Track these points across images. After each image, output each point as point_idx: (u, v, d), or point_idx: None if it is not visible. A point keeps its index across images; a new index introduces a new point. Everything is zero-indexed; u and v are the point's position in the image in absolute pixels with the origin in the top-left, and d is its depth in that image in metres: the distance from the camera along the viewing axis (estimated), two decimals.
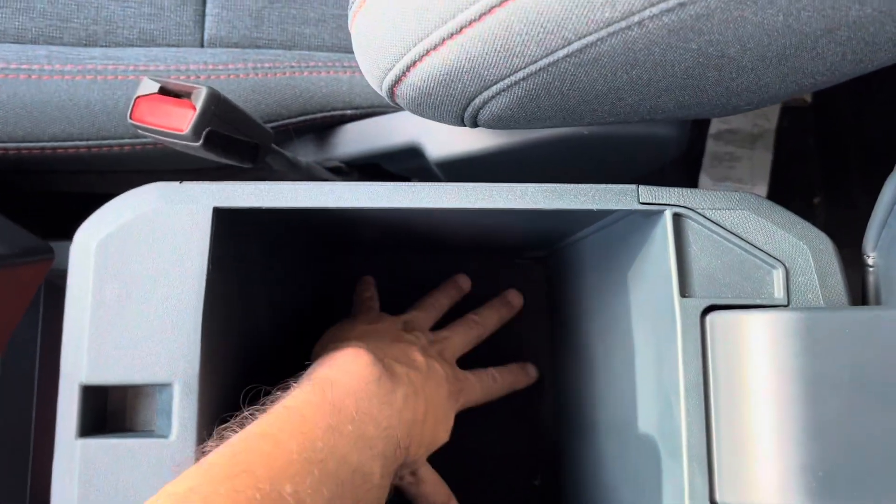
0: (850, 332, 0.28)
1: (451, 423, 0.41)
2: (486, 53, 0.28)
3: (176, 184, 0.32)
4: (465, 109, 0.33)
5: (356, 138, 0.51)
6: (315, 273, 0.54)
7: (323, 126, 0.52)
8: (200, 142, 0.36)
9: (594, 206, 0.32)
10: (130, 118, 0.37)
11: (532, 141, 0.43)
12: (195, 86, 0.36)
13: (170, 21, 0.51)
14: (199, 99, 0.36)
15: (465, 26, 0.27)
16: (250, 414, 0.31)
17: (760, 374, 0.29)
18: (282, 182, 0.32)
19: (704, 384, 0.30)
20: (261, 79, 0.49)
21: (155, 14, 0.50)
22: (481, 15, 0.27)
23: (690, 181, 0.90)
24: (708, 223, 0.32)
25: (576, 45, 0.27)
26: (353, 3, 0.33)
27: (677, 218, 0.32)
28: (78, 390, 0.30)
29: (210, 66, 0.48)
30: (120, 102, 0.47)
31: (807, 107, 0.91)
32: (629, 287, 0.37)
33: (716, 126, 0.92)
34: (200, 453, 0.30)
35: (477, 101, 0.31)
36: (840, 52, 0.27)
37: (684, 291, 0.31)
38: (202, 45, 0.51)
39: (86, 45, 0.49)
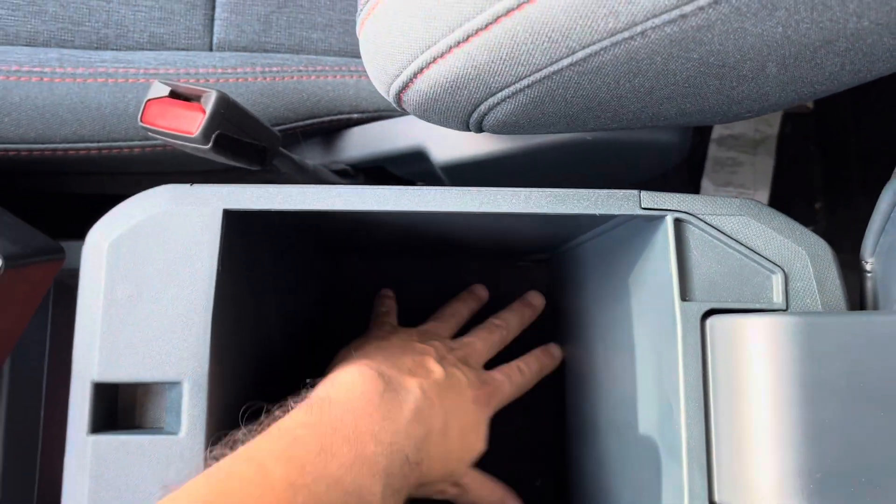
0: (847, 337, 0.28)
1: (482, 429, 0.40)
2: (492, 62, 0.29)
3: (187, 186, 0.32)
4: (470, 115, 0.33)
5: (362, 142, 0.52)
6: (322, 280, 0.54)
7: (330, 129, 0.53)
8: (210, 145, 0.37)
9: (597, 211, 0.33)
10: (141, 121, 0.38)
11: (536, 146, 0.44)
12: (205, 89, 0.37)
13: (179, 25, 0.51)
14: (209, 102, 0.37)
15: (472, 35, 0.28)
16: (246, 434, 0.31)
17: (759, 377, 0.29)
18: (290, 185, 0.32)
19: (704, 387, 0.31)
20: (269, 83, 0.50)
21: (165, 18, 0.51)
22: (488, 24, 0.27)
23: (693, 186, 0.90)
24: (709, 228, 0.33)
25: (580, 55, 0.27)
26: (361, 9, 0.33)
27: (678, 223, 0.33)
28: (90, 388, 0.31)
29: (219, 70, 0.49)
30: (130, 105, 0.47)
31: (808, 113, 0.92)
32: (630, 291, 0.38)
33: (718, 131, 0.92)
34: (211, 457, 0.30)
35: (482, 107, 0.32)
36: (839, 62, 0.28)
37: (685, 295, 0.32)
38: (211, 49, 0.52)
39: (97, 49, 0.50)
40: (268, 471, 0.28)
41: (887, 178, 0.33)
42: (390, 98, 0.34)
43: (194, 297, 0.31)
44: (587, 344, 0.46)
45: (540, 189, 0.33)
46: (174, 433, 0.31)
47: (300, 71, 0.51)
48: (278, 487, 0.27)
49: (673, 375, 0.31)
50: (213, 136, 0.37)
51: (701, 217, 0.33)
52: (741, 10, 0.24)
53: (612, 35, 0.26)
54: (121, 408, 0.33)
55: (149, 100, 0.37)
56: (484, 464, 0.41)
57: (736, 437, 0.29)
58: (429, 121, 0.35)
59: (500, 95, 0.31)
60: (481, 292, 0.53)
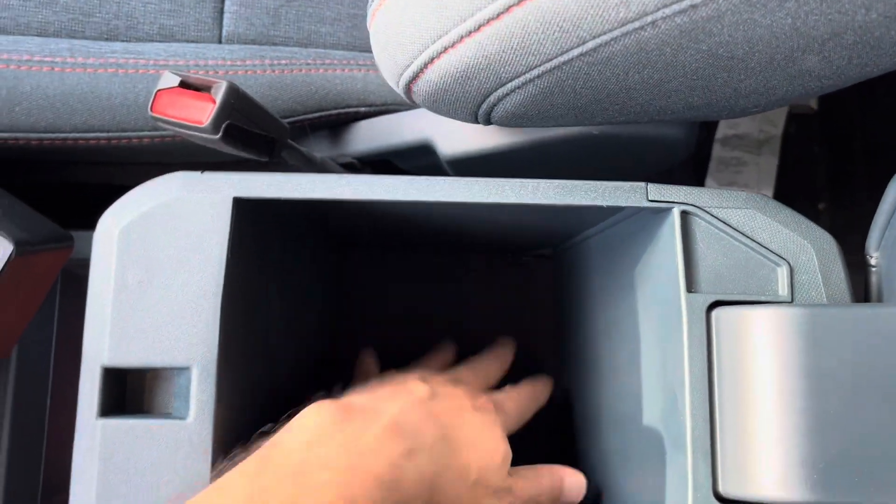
0: (851, 329, 0.28)
1: (497, 430, 0.37)
2: (503, 51, 0.29)
3: (198, 173, 0.33)
4: (479, 106, 0.33)
5: (369, 135, 0.52)
6: (329, 272, 0.54)
7: (337, 122, 0.53)
8: (219, 134, 0.37)
9: (604, 203, 0.33)
10: (151, 111, 0.38)
11: (543, 140, 0.44)
12: (215, 80, 0.37)
13: (189, 17, 0.52)
14: (220, 92, 0.37)
15: (483, 24, 0.28)
16: (219, 472, 0.30)
17: (764, 368, 0.29)
18: (300, 174, 0.33)
19: (709, 378, 0.31)
20: (277, 75, 0.50)
21: (175, 10, 0.52)
22: (499, 14, 0.28)
23: (698, 183, 0.91)
24: (715, 221, 0.33)
25: (590, 45, 0.27)
26: (372, 1, 0.33)
27: (685, 215, 0.33)
28: (100, 372, 0.31)
29: (228, 62, 0.49)
30: (140, 96, 0.48)
31: (813, 114, 0.92)
32: (636, 283, 0.38)
33: (723, 131, 0.93)
34: (217, 473, 0.30)
35: (492, 97, 0.32)
36: (846, 55, 0.28)
37: (691, 287, 0.32)
38: (220, 42, 0.52)
39: (107, 40, 0.50)
40: None
41: (893, 173, 0.33)
42: (400, 89, 0.35)
43: (204, 284, 0.32)
44: (592, 337, 0.46)
45: (548, 181, 0.33)
46: (182, 418, 0.31)
47: (308, 64, 0.51)
48: None
49: (678, 366, 0.31)
50: (223, 126, 0.37)
51: (707, 210, 0.33)
52: (751, 0, 0.25)
53: (623, 25, 0.26)
54: (129, 393, 0.33)
55: (159, 90, 0.38)
56: None
57: (740, 427, 0.30)
58: (438, 112, 0.36)
59: (509, 86, 0.31)
60: (451, 348, 0.50)
